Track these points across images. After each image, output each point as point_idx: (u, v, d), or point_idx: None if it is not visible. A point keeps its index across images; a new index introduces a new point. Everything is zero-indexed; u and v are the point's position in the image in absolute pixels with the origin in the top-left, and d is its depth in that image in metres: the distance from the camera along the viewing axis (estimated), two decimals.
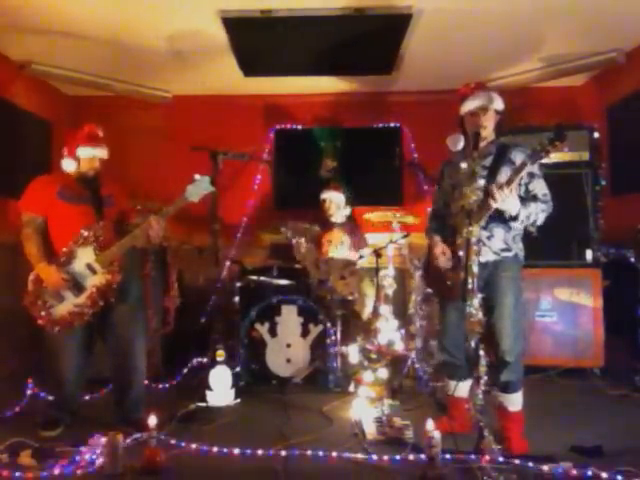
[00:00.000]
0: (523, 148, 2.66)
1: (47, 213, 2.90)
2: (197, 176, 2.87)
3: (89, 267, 2.82)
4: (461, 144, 2.71)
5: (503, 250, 2.65)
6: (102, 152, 2.98)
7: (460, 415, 2.80)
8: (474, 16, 3.69)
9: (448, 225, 2.77)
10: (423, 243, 3.22)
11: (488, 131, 2.71)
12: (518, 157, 2.61)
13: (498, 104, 2.73)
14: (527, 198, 2.60)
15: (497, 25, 3.84)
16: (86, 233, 2.83)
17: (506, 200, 2.46)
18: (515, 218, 2.56)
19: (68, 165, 2.97)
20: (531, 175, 2.61)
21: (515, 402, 2.63)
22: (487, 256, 2.63)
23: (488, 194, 2.48)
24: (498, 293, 2.61)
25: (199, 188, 2.85)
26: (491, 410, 2.60)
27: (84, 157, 2.94)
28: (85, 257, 2.82)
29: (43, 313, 2.79)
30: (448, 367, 2.87)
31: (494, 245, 2.65)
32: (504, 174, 2.58)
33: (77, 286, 2.81)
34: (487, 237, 2.63)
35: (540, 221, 2.60)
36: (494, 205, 2.46)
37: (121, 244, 2.84)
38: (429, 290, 3.74)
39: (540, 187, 2.62)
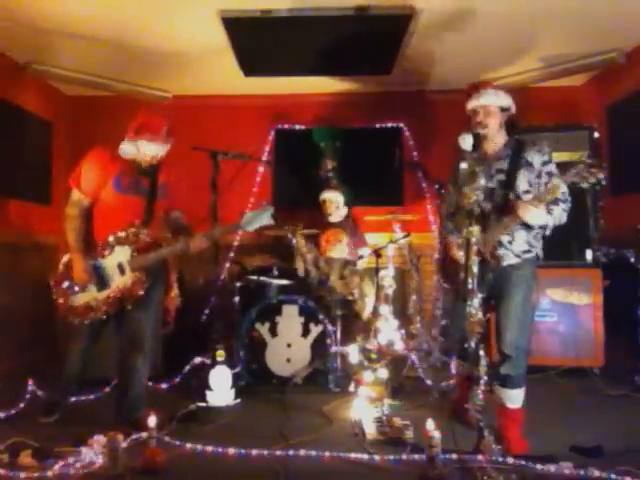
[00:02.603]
0: (539, 147, 2.65)
1: (97, 198, 2.83)
2: (264, 204, 2.86)
3: (120, 267, 2.80)
4: (470, 142, 2.61)
5: (525, 252, 2.67)
6: (165, 149, 2.89)
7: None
8: (474, 16, 3.69)
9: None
10: (423, 243, 3.26)
11: (492, 130, 2.69)
12: (536, 158, 2.61)
13: (503, 101, 2.70)
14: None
15: (497, 25, 3.83)
16: (129, 232, 2.80)
17: (535, 216, 2.49)
18: (544, 227, 2.59)
19: (127, 150, 2.83)
20: (549, 174, 2.59)
21: (514, 399, 2.63)
22: (509, 260, 2.65)
23: (513, 206, 2.51)
24: (508, 288, 2.63)
25: (259, 219, 2.82)
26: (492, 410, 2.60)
27: (141, 150, 2.83)
28: (120, 255, 2.80)
29: (62, 298, 2.81)
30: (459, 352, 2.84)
31: (516, 248, 2.65)
32: (522, 178, 2.60)
33: (102, 281, 2.80)
34: (508, 241, 2.64)
35: (564, 221, 2.60)
36: (524, 220, 2.50)
37: (158, 253, 2.83)
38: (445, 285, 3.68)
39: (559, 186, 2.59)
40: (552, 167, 2.60)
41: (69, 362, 2.98)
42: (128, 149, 2.82)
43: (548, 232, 2.63)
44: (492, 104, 2.68)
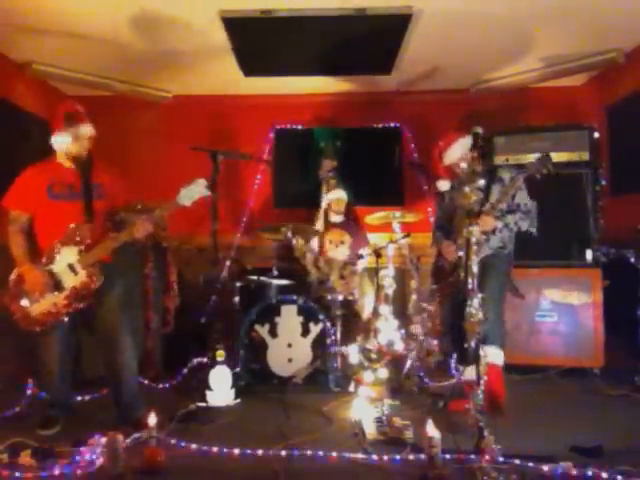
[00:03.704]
0: (508, 167, 3.12)
1: (34, 211, 2.86)
2: (195, 179, 2.85)
3: (70, 267, 2.80)
4: (448, 186, 3.18)
5: (500, 248, 3.03)
6: (86, 130, 2.89)
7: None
8: (474, 16, 3.69)
9: (451, 238, 3.14)
10: (423, 243, 3.39)
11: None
12: (505, 175, 3.02)
13: (469, 142, 2.92)
14: (510, 209, 2.96)
15: (497, 25, 3.84)
16: (72, 232, 2.80)
17: (485, 223, 2.83)
18: (493, 232, 2.97)
19: (59, 141, 2.87)
20: (518, 188, 2.95)
21: (495, 356, 2.92)
22: (485, 252, 2.99)
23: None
24: (486, 274, 2.89)
25: (193, 192, 2.83)
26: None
27: (70, 140, 2.86)
28: (68, 257, 2.80)
29: (19, 312, 2.80)
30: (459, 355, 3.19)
31: (492, 243, 3.01)
32: (495, 192, 2.97)
33: (56, 286, 2.79)
34: (485, 239, 2.94)
35: (523, 228, 2.99)
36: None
37: (105, 246, 2.83)
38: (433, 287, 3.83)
39: (522, 198, 2.99)
40: (520, 182, 2.94)
41: (51, 374, 2.93)
42: (62, 138, 2.86)
43: (505, 231, 3.01)
44: (465, 153, 3.00)
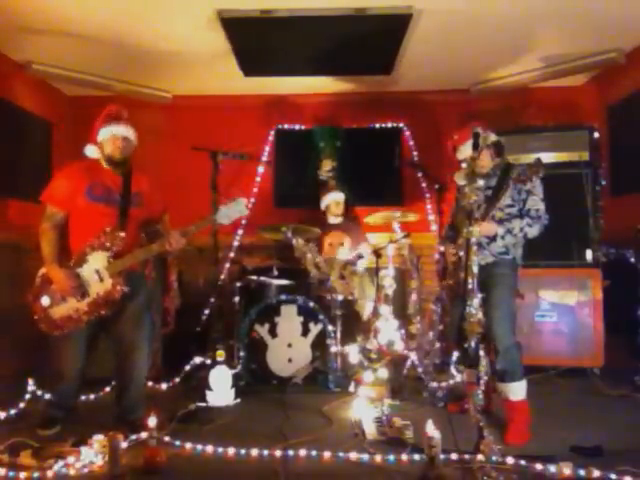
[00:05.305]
0: (523, 167, 2.87)
1: (70, 210, 2.83)
2: (235, 198, 2.82)
3: (97, 273, 2.76)
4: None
5: (502, 253, 2.87)
6: (123, 130, 2.87)
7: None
8: (474, 16, 3.69)
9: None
10: (423, 243, 3.35)
11: (486, 166, 2.92)
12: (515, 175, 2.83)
13: (490, 138, 2.92)
14: (521, 214, 2.83)
15: (497, 25, 3.83)
16: (103, 238, 2.76)
17: (485, 230, 2.74)
18: (494, 238, 2.82)
19: (89, 151, 2.90)
20: (528, 192, 2.84)
21: (514, 391, 2.75)
22: (487, 259, 2.85)
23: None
24: (491, 287, 2.78)
25: (233, 211, 2.80)
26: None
27: (105, 138, 2.85)
28: (96, 263, 2.76)
29: (41, 313, 2.78)
30: (460, 356, 3.11)
31: (494, 249, 2.86)
32: (506, 194, 2.81)
33: (81, 291, 2.76)
34: (487, 243, 2.85)
35: (530, 235, 2.83)
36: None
37: (134, 255, 2.80)
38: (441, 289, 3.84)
39: (533, 203, 2.83)
40: (529, 186, 2.82)
41: (66, 377, 2.90)
42: (89, 150, 2.90)
43: (510, 238, 2.82)
44: (483, 146, 2.86)
